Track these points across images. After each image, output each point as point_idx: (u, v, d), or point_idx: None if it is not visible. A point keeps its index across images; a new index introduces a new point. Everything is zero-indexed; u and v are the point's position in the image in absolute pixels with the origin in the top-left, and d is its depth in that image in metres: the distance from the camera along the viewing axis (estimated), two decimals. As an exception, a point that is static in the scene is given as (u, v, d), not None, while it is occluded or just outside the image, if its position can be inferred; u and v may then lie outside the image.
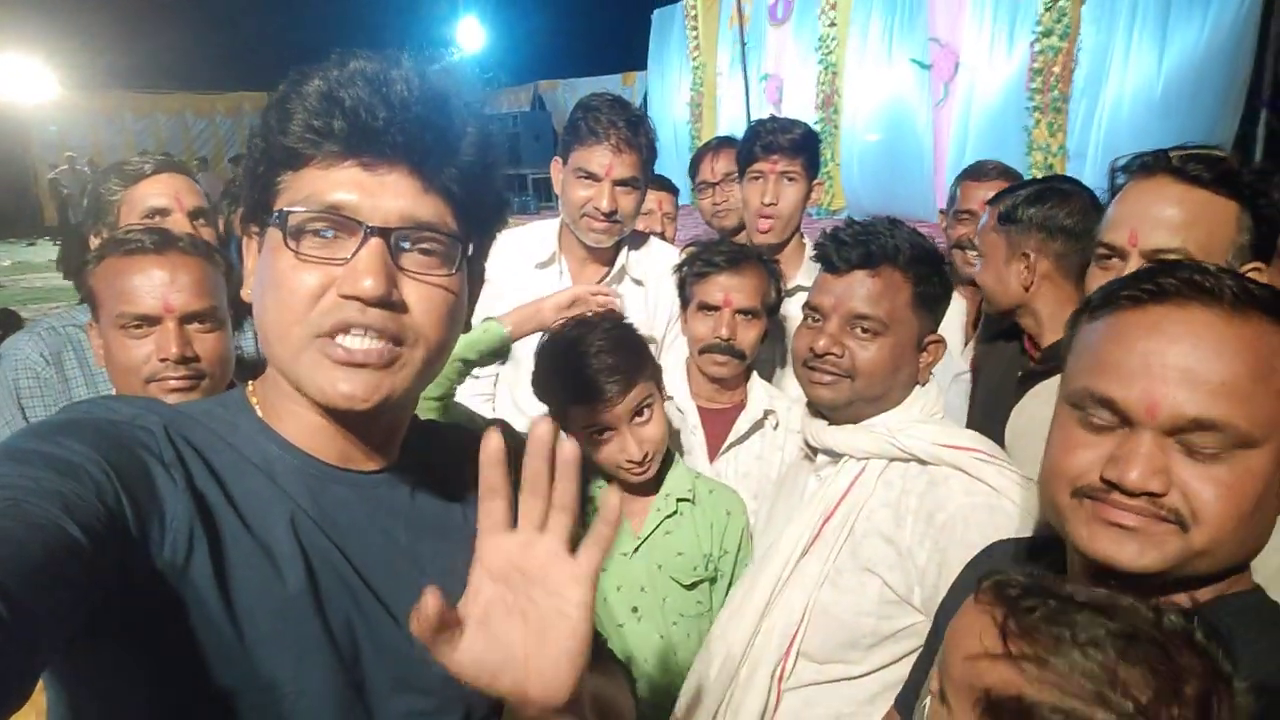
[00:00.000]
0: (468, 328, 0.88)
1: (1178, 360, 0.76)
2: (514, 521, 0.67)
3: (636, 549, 1.56)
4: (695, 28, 12.08)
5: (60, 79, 14.21)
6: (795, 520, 1.38)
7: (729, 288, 1.77)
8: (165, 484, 0.68)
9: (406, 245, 0.76)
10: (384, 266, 0.73)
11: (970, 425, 1.69)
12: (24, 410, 1.83)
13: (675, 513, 1.59)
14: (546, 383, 1.59)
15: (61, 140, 16.37)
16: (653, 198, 2.98)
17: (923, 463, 1.30)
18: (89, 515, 0.59)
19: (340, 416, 0.78)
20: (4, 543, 0.53)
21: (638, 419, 1.53)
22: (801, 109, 10.04)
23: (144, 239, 1.37)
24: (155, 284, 1.34)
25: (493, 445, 0.67)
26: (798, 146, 2.15)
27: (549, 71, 15.51)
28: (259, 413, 0.81)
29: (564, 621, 0.64)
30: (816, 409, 1.41)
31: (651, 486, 1.60)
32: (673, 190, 3.07)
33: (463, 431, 1.04)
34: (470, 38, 14.03)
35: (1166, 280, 0.79)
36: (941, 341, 1.39)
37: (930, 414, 1.38)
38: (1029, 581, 0.69)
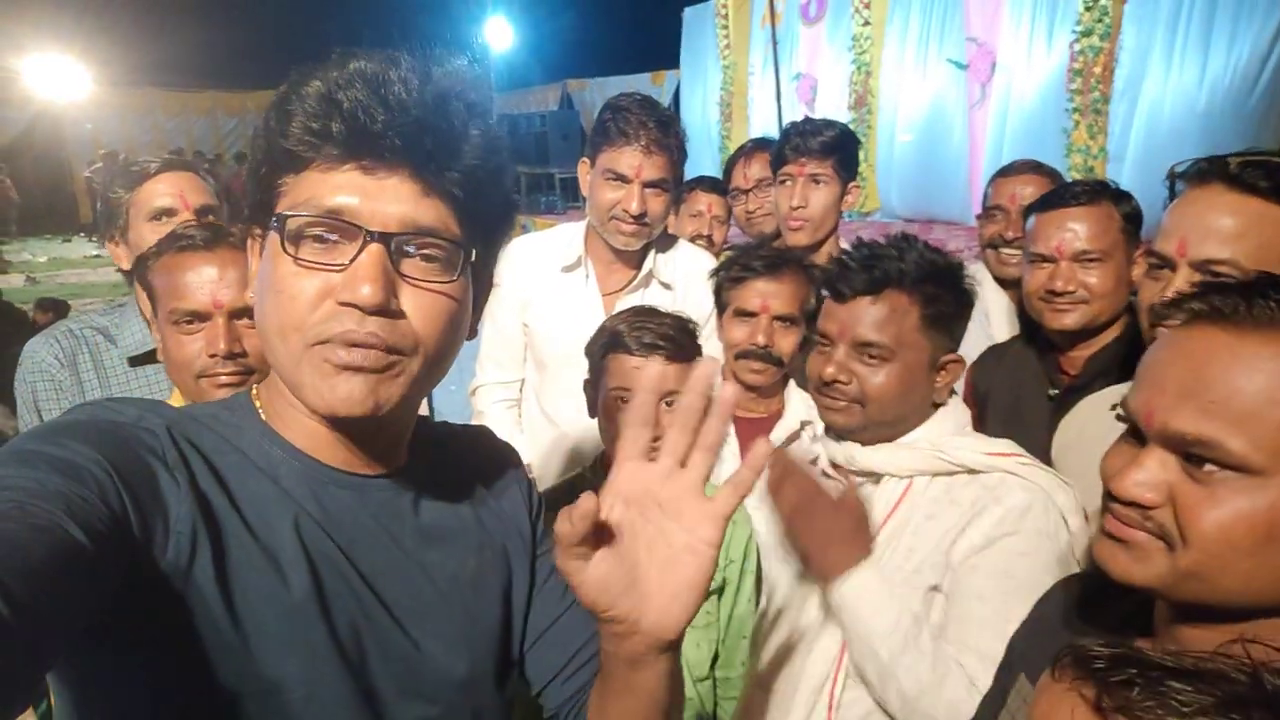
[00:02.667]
0: (473, 334, 0.86)
1: (1180, 373, 0.76)
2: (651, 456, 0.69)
3: None
4: (726, 26, 11.97)
5: (94, 76, 14.39)
6: None
7: (767, 293, 1.73)
8: (169, 486, 0.68)
9: (407, 251, 0.75)
10: (383, 273, 0.72)
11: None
12: (40, 414, 1.82)
13: None
14: (601, 330, 1.58)
15: (95, 137, 16.62)
16: (703, 200, 2.94)
17: (972, 472, 1.30)
18: (92, 517, 0.59)
19: (340, 423, 0.78)
20: (7, 544, 0.52)
21: (667, 401, 1.47)
22: (834, 109, 9.92)
23: (195, 235, 1.39)
24: (205, 280, 1.35)
25: (653, 372, 0.71)
26: (828, 148, 2.08)
27: (578, 70, 15.49)
28: (263, 416, 0.81)
29: (692, 557, 0.68)
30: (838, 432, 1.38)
31: None
32: (724, 193, 2.99)
33: (476, 432, 1.03)
34: (499, 36, 14.04)
35: (1190, 304, 0.78)
36: (960, 361, 1.38)
37: (962, 428, 1.37)
38: (1113, 652, 0.65)
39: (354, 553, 0.78)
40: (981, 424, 1.94)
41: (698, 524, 0.68)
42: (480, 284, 0.85)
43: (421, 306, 0.75)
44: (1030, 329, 1.90)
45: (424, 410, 2.57)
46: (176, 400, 1.45)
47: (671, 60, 13.18)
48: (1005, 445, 1.35)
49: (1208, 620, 0.75)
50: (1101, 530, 0.80)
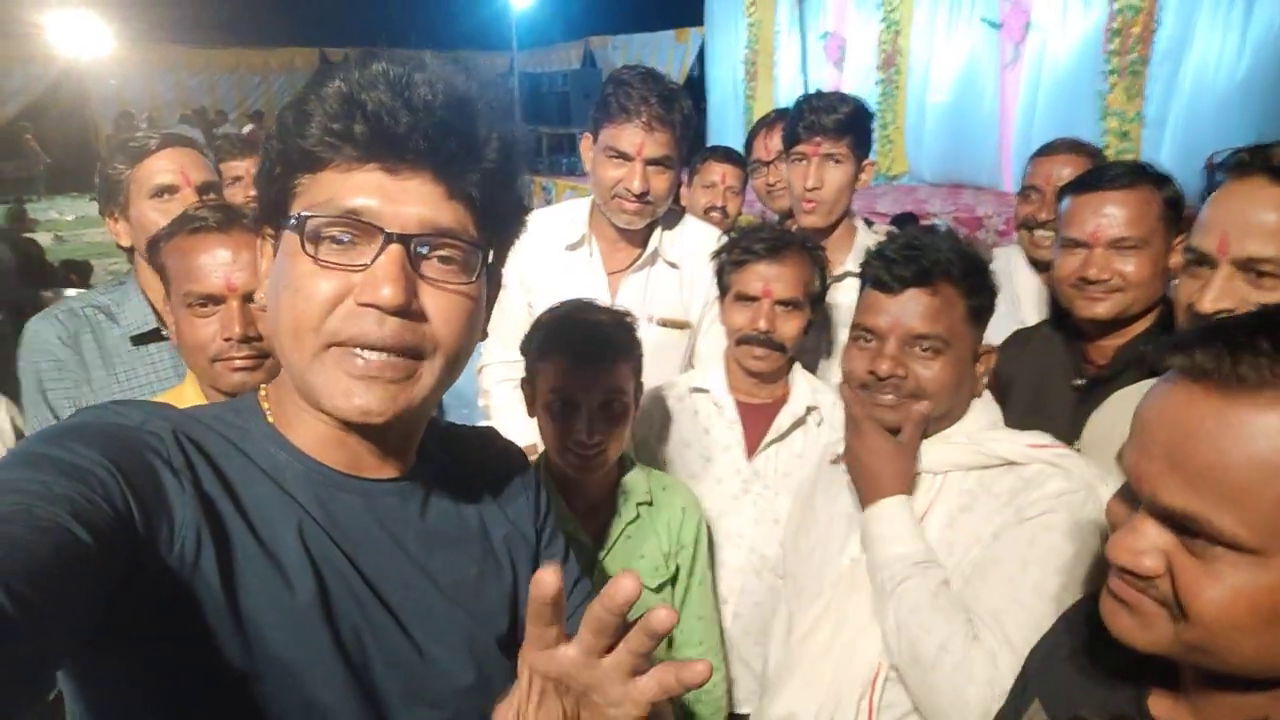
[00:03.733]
0: (484, 335, 0.87)
1: (1167, 438, 0.70)
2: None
3: (601, 560, 1.52)
4: (752, -17, 11.66)
5: (116, 33, 14.34)
6: (853, 544, 1.34)
7: (769, 277, 1.68)
8: (174, 489, 0.69)
9: (426, 252, 0.75)
10: (403, 274, 0.72)
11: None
12: (46, 395, 1.83)
13: (636, 518, 1.54)
14: (534, 331, 1.56)
15: (119, 95, 16.61)
16: (717, 170, 2.89)
17: (1012, 464, 1.28)
18: (98, 520, 0.60)
19: (353, 426, 0.77)
20: (14, 547, 0.53)
21: (603, 406, 1.45)
22: (863, 69, 9.70)
23: (209, 217, 1.37)
24: (219, 263, 1.34)
25: (547, 581, 0.59)
26: (843, 126, 2.02)
27: (601, 27, 15.21)
28: (270, 418, 0.81)
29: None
30: None
31: (606, 493, 1.56)
32: (739, 163, 2.93)
33: (484, 435, 1.03)
34: (521, -7, 13.81)
35: (1174, 357, 0.72)
36: (993, 351, 1.38)
37: (995, 423, 1.37)
38: None
39: (358, 557, 0.78)
40: (1004, 406, 1.90)
41: (622, 703, 0.62)
42: (493, 284, 0.85)
43: (441, 308, 0.75)
44: (1059, 315, 1.83)
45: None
46: (190, 384, 1.46)
47: (696, 17, 12.89)
48: (1043, 438, 1.33)
49: (1231, 686, 0.71)
50: (1105, 587, 0.77)
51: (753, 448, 1.76)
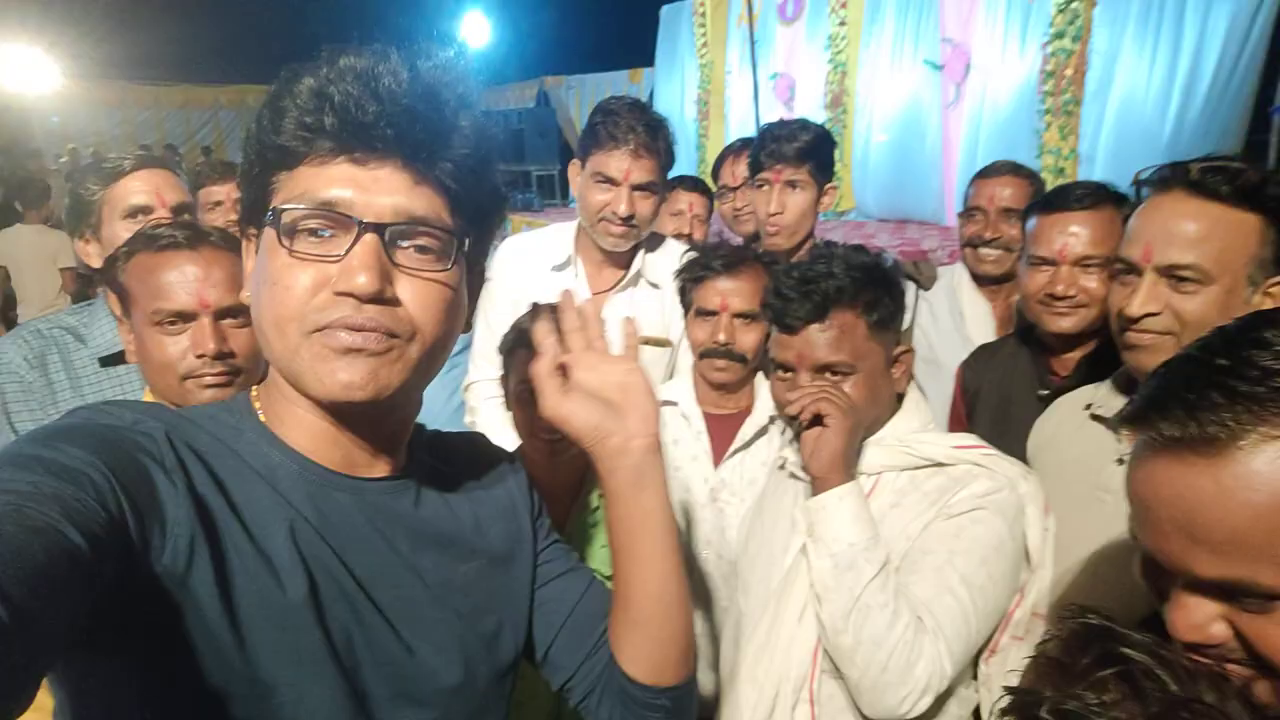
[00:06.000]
0: (467, 327, 0.88)
1: (1173, 516, 0.68)
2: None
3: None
4: (704, 25, 11.95)
5: (62, 69, 14.13)
6: (794, 546, 1.37)
7: (726, 291, 1.76)
8: (166, 489, 0.69)
9: (401, 241, 0.76)
10: (378, 262, 0.73)
11: None
12: (9, 416, 1.80)
13: (597, 508, 1.60)
14: (507, 332, 1.63)
15: (64, 131, 16.30)
16: (684, 199, 2.97)
17: (940, 465, 1.36)
18: (89, 520, 0.59)
19: (342, 416, 0.79)
20: (4, 547, 0.53)
21: None
22: (812, 108, 9.94)
23: (176, 234, 1.37)
24: (189, 279, 1.33)
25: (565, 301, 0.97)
26: (803, 154, 2.12)
27: (555, 67, 15.41)
28: (262, 418, 0.82)
29: (630, 377, 0.91)
30: None
31: (573, 482, 1.62)
32: (705, 192, 3.02)
33: (473, 439, 1.05)
34: (475, 32, 13.94)
35: (1142, 430, 0.70)
36: (910, 350, 1.45)
37: (927, 424, 1.42)
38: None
39: (349, 557, 0.79)
40: (971, 422, 2.00)
41: (619, 361, 0.92)
42: (474, 273, 0.87)
43: (417, 295, 0.77)
44: (1024, 329, 1.93)
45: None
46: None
47: (649, 58, 13.15)
48: (969, 439, 1.42)
49: None
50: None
51: (719, 457, 1.81)
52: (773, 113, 10.85)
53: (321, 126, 0.72)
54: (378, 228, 0.74)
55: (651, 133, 1.99)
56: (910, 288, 2.46)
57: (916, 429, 1.42)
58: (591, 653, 0.97)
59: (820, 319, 1.35)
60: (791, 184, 2.14)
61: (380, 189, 0.74)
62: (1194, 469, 0.67)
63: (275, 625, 0.72)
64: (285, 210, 0.74)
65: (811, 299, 1.34)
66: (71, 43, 13.92)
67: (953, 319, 2.34)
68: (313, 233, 0.74)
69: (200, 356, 1.32)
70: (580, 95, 14.36)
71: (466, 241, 0.80)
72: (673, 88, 12.78)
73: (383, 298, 0.74)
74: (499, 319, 2.14)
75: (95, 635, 0.62)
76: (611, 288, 2.16)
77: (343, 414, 0.79)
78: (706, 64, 12.00)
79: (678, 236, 2.92)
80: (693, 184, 3.04)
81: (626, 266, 2.16)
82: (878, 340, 1.39)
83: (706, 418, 1.85)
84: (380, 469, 0.85)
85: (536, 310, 1.63)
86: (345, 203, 0.74)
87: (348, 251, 0.73)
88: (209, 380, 1.33)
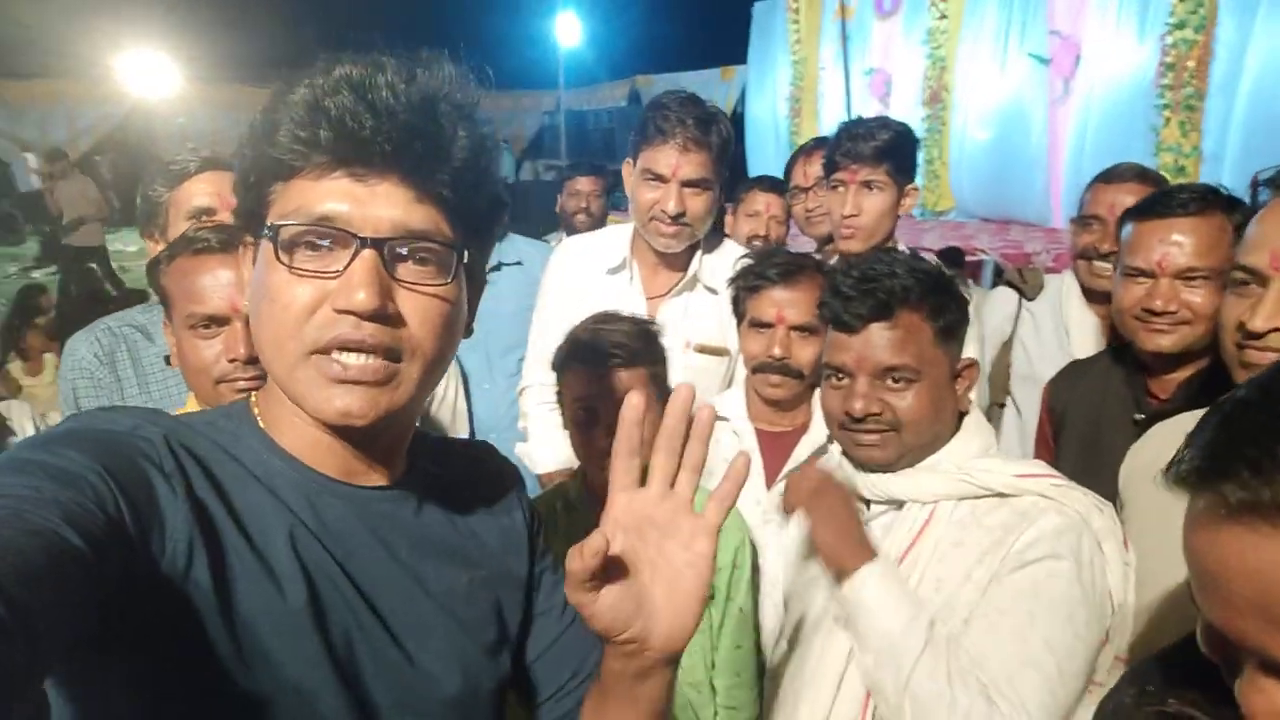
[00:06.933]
0: (469, 333, 0.85)
1: (1247, 592, 0.59)
2: (643, 480, 0.73)
3: None
4: (797, 21, 11.77)
5: (182, 72, 14.95)
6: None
7: (782, 302, 1.66)
8: (165, 494, 0.68)
9: (401, 255, 0.75)
10: (378, 279, 0.72)
11: (1061, 465, 1.54)
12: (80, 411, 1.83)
13: None
14: (560, 345, 1.56)
15: (183, 133, 17.25)
16: (760, 200, 2.89)
17: (1001, 496, 1.23)
18: (90, 524, 0.59)
19: (340, 431, 0.78)
20: (5, 550, 0.52)
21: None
22: (908, 104, 9.66)
23: (211, 238, 1.36)
24: (222, 284, 1.32)
25: (634, 403, 0.72)
26: (881, 153, 1.98)
27: (647, 66, 15.44)
28: (261, 424, 0.81)
29: (691, 571, 0.73)
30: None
31: None
32: (782, 192, 2.91)
33: (477, 448, 1.03)
34: (568, 33, 14.09)
35: (1220, 493, 0.60)
36: (974, 364, 1.33)
37: (988, 449, 1.32)
38: None
39: (350, 564, 0.78)
40: (1056, 445, 1.84)
41: (692, 540, 0.73)
42: (474, 283, 0.85)
43: (417, 310, 0.75)
44: (1118, 346, 1.76)
45: (464, 420, 2.55)
46: (192, 405, 1.44)
47: (741, 56, 13.02)
48: (1036, 466, 1.30)
49: None
50: None
51: (772, 478, 1.71)
52: (867, 110, 10.57)
53: (317, 140, 0.71)
54: (376, 243, 0.72)
55: (702, 126, 1.88)
56: (1011, 296, 2.29)
57: (976, 453, 1.29)
58: (564, 688, 0.96)
59: (885, 317, 1.24)
60: (868, 185, 2.00)
61: (378, 203, 0.73)
62: (1270, 540, 0.57)
63: (275, 631, 0.71)
64: (284, 226, 0.73)
65: (875, 296, 1.24)
66: (190, 45, 14.70)
67: (1057, 334, 2.15)
68: (310, 246, 0.73)
69: (232, 361, 1.31)
70: (672, 93, 14.33)
71: (466, 253, 0.78)
72: (764, 86, 12.63)
73: (383, 314, 0.73)
74: (553, 322, 2.09)
75: (95, 639, 0.62)
76: (667, 292, 2.06)
77: (340, 430, 0.78)
78: (799, 61, 11.80)
79: (754, 238, 2.85)
80: (770, 184, 2.96)
81: (683, 269, 2.06)
82: (943, 349, 1.28)
83: (759, 435, 1.75)
84: (379, 477, 0.83)
85: (590, 320, 1.57)
86: (343, 217, 0.72)
87: (346, 267, 0.72)
88: (241, 384, 1.32)
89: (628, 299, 2.05)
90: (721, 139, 1.92)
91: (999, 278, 4.06)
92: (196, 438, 0.76)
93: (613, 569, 0.70)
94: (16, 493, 0.58)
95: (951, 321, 1.28)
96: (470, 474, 0.96)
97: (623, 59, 15.37)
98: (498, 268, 2.55)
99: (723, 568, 1.55)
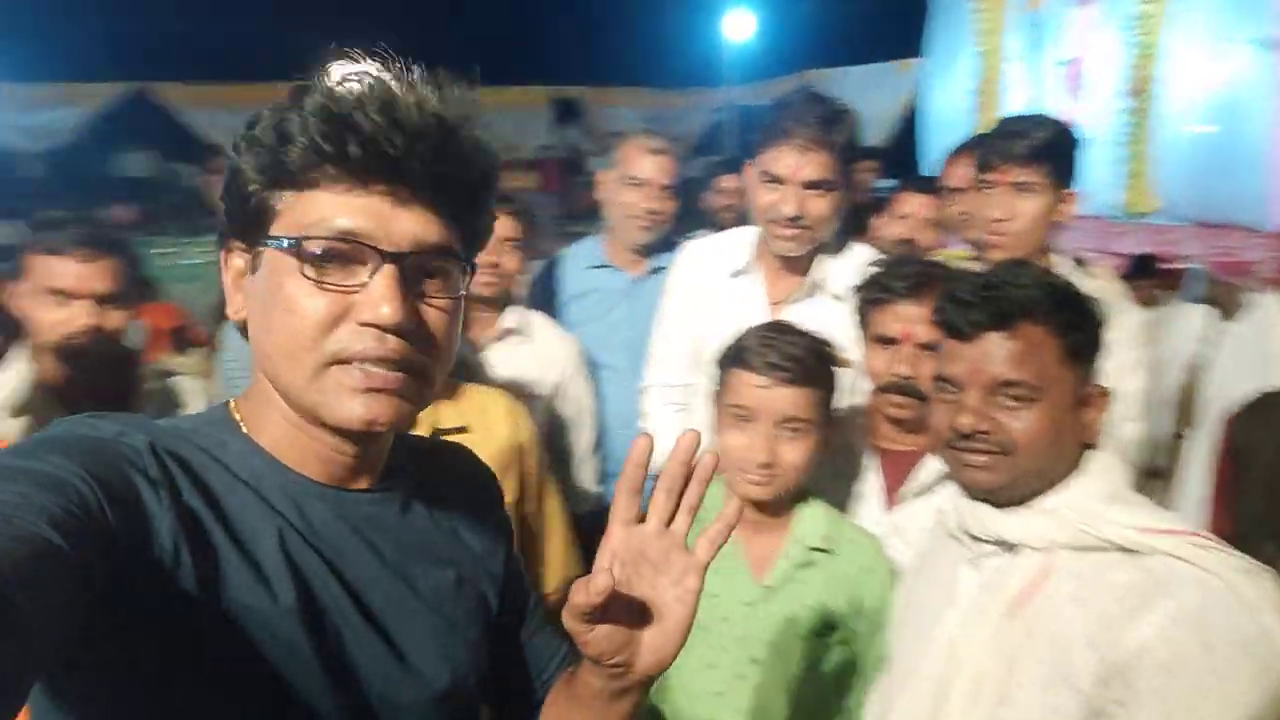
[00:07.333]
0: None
1: None
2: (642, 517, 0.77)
3: (763, 598, 1.43)
4: (981, 9, 11.11)
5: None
6: (950, 621, 1.16)
7: (909, 318, 1.55)
8: (151, 499, 0.69)
9: (420, 270, 0.77)
10: (400, 293, 0.74)
11: (1243, 511, 1.46)
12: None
13: (808, 563, 1.42)
14: (730, 341, 1.52)
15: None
16: (911, 201, 2.74)
17: (1126, 551, 1.07)
18: (76, 529, 0.60)
19: (340, 435, 0.79)
20: None
21: (787, 428, 1.36)
22: (1108, 96, 8.90)
23: None
24: None
25: (640, 448, 0.76)
26: (1037, 152, 1.82)
27: (821, 59, 15.08)
28: (244, 429, 0.82)
29: (680, 605, 0.77)
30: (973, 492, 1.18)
31: (778, 526, 1.45)
32: (935, 193, 2.75)
33: (455, 450, 1.05)
34: (739, 27, 14.01)
35: None
36: (1107, 393, 1.20)
37: (1115, 491, 1.17)
38: None
39: (338, 565, 0.79)
40: (1238, 484, 1.62)
41: (683, 576, 0.77)
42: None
43: (435, 322, 0.78)
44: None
45: (589, 416, 2.52)
46: None
47: (916, 48, 12.46)
48: (1166, 519, 1.14)
49: None
50: None
51: (894, 499, 1.58)
52: (1059, 103, 9.82)
53: (344, 155, 0.72)
54: (398, 257, 0.75)
55: (825, 125, 1.80)
56: (1204, 314, 2.05)
57: (1101, 498, 1.14)
58: (526, 690, 0.99)
59: (1003, 327, 1.14)
60: (1020, 187, 1.84)
61: (400, 219, 0.75)
62: None
63: (265, 632, 0.72)
64: (307, 239, 0.74)
65: (996, 303, 1.14)
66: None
67: (1261, 363, 1.90)
68: (330, 260, 0.74)
69: None
70: (845, 88, 13.90)
71: (468, 267, 0.82)
72: (946, 79, 11.99)
73: (406, 327, 0.75)
74: (675, 323, 2.06)
75: (83, 644, 0.62)
76: (788, 298, 2.00)
77: (344, 435, 0.79)
78: (984, 52, 11.13)
79: (900, 242, 2.70)
80: (921, 185, 2.79)
81: (806, 274, 1.98)
82: (1070, 369, 1.16)
83: (882, 453, 1.66)
84: (363, 481, 0.85)
85: (764, 326, 1.54)
86: (365, 232, 0.74)
87: (369, 281, 0.74)
88: None
89: (749, 303, 2.01)
90: (847, 138, 1.85)
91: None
92: (181, 443, 0.77)
93: (611, 603, 0.73)
94: (2, 498, 0.59)
95: (1082, 341, 1.16)
96: (449, 475, 0.98)
97: (795, 53, 15.12)
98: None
99: (863, 614, 1.47)
